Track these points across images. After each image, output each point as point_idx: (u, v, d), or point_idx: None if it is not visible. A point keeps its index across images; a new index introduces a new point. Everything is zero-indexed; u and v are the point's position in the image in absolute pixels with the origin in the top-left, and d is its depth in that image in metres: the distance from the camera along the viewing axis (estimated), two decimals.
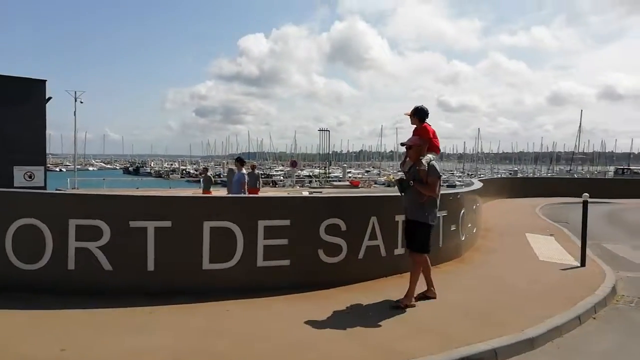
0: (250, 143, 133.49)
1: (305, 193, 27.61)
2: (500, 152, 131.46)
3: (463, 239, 8.08)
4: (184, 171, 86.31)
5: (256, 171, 19.55)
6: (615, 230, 13.15)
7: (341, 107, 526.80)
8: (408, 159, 5.46)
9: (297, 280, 5.66)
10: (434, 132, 5.52)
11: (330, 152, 65.16)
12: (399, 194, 5.52)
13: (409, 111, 5.54)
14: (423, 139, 5.38)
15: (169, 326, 4.42)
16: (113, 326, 4.38)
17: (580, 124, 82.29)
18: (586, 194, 8.00)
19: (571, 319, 5.13)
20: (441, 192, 5.57)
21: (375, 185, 49.35)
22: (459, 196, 8.00)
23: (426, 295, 5.58)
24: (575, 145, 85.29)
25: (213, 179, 20.22)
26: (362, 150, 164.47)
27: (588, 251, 9.32)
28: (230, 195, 5.74)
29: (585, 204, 8.02)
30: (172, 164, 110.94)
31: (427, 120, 5.58)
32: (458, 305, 5.43)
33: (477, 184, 10.57)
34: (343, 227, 5.91)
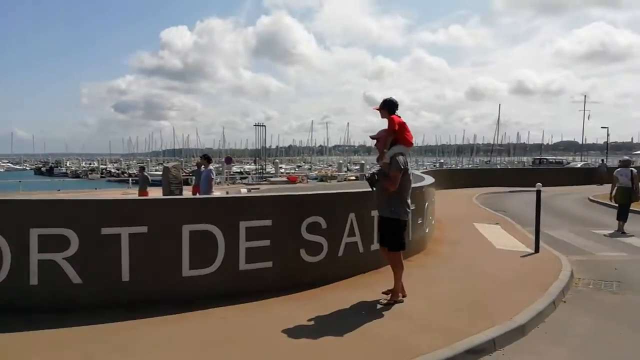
0: (176, 139, 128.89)
1: (244, 190, 27.06)
2: (425, 144, 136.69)
3: (427, 231, 8.23)
4: (104, 170, 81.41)
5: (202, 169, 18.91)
6: (549, 217, 13.99)
7: (269, 102, 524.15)
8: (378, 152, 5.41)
9: (281, 282, 5.46)
10: (402, 124, 5.28)
11: (262, 148, 64.00)
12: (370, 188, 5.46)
13: (378, 105, 5.43)
14: (389, 131, 5.24)
15: (166, 343, 4.05)
16: (94, 347, 3.96)
17: (499, 117, 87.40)
18: (539, 183, 8.44)
19: (548, 304, 5.37)
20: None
21: (309, 180, 49.41)
22: (423, 189, 8.12)
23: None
24: (494, 138, 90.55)
25: (150, 178, 19.17)
26: (291, 145, 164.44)
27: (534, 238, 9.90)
28: (210, 195, 5.38)
29: (538, 194, 8.44)
30: (90, 163, 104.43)
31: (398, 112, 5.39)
32: (445, 297, 5.49)
33: (430, 178, 10.80)
34: (324, 224, 5.78)
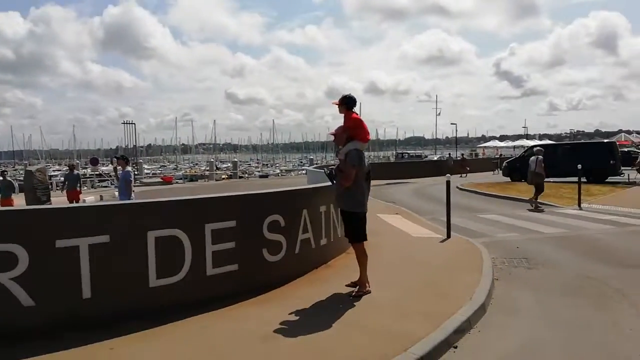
0: (15, 140, 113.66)
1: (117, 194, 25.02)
2: (290, 141, 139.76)
3: None
4: None
5: (75, 172, 17.09)
6: (434, 205, 15.36)
7: (122, 99, 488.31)
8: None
9: (246, 284, 5.27)
10: (358, 121, 5.42)
11: (133, 147, 59.10)
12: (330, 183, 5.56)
13: (337, 100, 5.53)
14: (345, 127, 5.37)
15: None
16: None
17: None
18: (448, 174, 9.26)
19: (490, 283, 5.96)
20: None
21: (177, 180, 47.22)
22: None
23: (355, 283, 5.54)
24: None
25: (15, 184, 16.80)
26: (151, 144, 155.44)
27: (437, 225, 10.84)
28: (172, 198, 4.92)
29: (448, 184, 9.27)
30: None
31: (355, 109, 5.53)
32: (402, 285, 5.77)
33: None
34: (282, 222, 5.69)
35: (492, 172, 34.36)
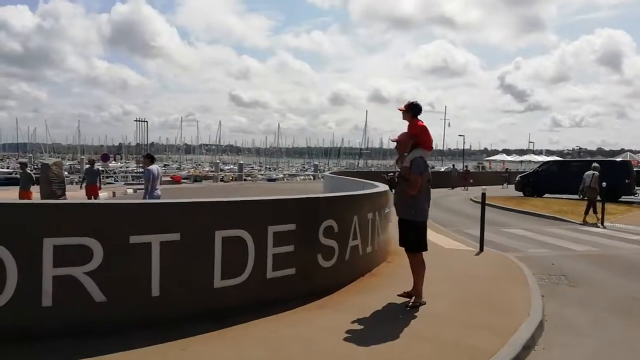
0: (19, 132, 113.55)
1: (130, 191, 24.96)
2: (295, 146, 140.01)
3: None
4: None
5: (96, 167, 17.00)
6: (454, 217, 15.35)
7: (127, 96, 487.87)
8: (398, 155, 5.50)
9: (302, 289, 5.22)
10: (424, 128, 5.39)
11: (147, 145, 59.00)
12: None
13: (403, 106, 5.50)
14: (410, 134, 5.34)
15: None
16: None
17: (366, 123, 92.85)
18: (485, 187, 9.22)
19: (540, 299, 5.91)
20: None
21: (183, 180, 47.23)
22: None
23: (410, 294, 5.46)
24: (362, 142, 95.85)
25: (33, 177, 16.74)
26: (154, 142, 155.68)
27: (462, 237, 10.81)
28: (237, 199, 4.91)
29: (483, 197, 9.25)
30: None
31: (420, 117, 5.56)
32: (453, 297, 5.71)
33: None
34: (336, 228, 5.65)
35: (500, 186, 34.39)
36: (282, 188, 30.45)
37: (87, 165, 17.73)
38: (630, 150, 66.82)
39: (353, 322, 4.63)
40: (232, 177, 46.12)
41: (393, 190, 5.44)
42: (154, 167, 11.14)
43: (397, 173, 5.35)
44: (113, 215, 4.07)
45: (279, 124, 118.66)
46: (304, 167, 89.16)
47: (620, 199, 21.31)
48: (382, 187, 7.33)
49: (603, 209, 13.70)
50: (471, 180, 32.15)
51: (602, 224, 13.38)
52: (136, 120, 56.81)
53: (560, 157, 54.20)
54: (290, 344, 4.03)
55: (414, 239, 5.24)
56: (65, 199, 15.56)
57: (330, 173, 22.32)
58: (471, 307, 5.34)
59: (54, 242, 3.75)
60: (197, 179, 47.16)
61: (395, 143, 5.37)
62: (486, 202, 20.37)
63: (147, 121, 57.58)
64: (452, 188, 31.56)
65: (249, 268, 4.72)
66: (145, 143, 56.83)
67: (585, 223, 13.59)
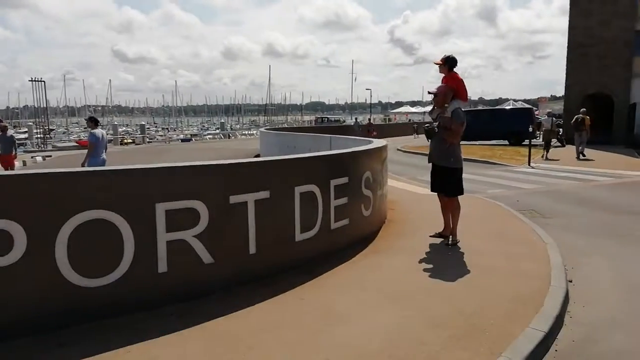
0: None
1: (39, 159, 22.77)
2: (192, 104, 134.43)
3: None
4: None
5: (9, 133, 15.23)
6: (398, 166, 16.21)
7: None
8: (435, 106, 5.88)
9: (353, 238, 5.53)
10: (461, 81, 5.79)
11: (45, 109, 52.37)
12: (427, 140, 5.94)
13: (439, 60, 5.86)
14: (449, 86, 5.73)
15: (350, 288, 3.91)
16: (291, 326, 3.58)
17: (270, 79, 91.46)
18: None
19: (543, 229, 6.76)
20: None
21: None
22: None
23: (442, 235, 6.05)
24: (267, 98, 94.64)
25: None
26: (27, 105, 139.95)
27: (422, 184, 11.62)
28: (307, 155, 4.95)
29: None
30: None
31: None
32: (475, 233, 6.32)
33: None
34: (371, 179, 5.96)
35: (412, 137, 36.41)
36: (219, 148, 29.38)
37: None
38: (513, 99, 73.51)
39: (420, 261, 5.07)
40: (132, 140, 43.39)
41: (429, 140, 5.82)
42: (99, 131, 10.51)
43: (434, 123, 5.72)
44: (215, 176, 4.02)
45: (175, 81, 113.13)
46: (203, 126, 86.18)
47: (524, 143, 23.81)
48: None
49: (530, 152, 15.38)
50: (375, 133, 33.28)
51: (529, 164, 15.06)
52: (31, 80, 50.59)
53: None
54: (388, 284, 4.37)
55: (454, 184, 5.71)
56: None
57: (265, 129, 22.16)
58: (496, 240, 6.01)
59: (165, 206, 3.65)
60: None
61: (432, 95, 5.73)
62: (414, 151, 21.66)
63: (44, 81, 51.61)
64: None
65: (318, 221, 4.91)
66: (44, 106, 51.08)
67: (547, 160, 16.67)
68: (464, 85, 5.82)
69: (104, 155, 10.41)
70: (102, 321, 3.42)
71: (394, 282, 4.43)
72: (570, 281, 4.89)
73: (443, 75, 5.84)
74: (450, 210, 5.90)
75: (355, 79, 71.49)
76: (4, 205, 3.09)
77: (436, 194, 6.06)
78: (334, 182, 5.11)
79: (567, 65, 24.93)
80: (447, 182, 5.77)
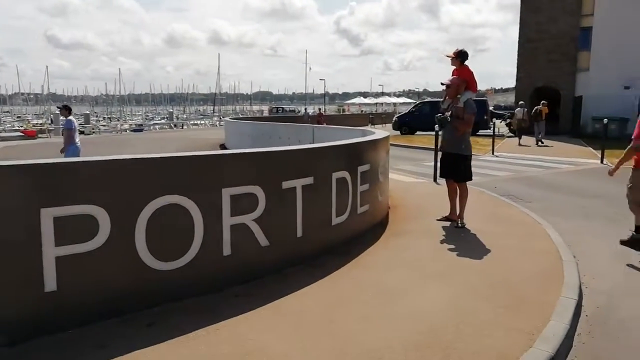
0: None
1: None
2: (133, 92, 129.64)
3: None
4: None
5: None
6: None
7: None
8: (447, 97, 6.26)
9: (372, 223, 5.83)
10: (472, 73, 6.23)
11: None
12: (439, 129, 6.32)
13: (451, 53, 6.24)
14: (461, 78, 6.15)
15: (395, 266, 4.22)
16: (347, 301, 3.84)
17: (219, 68, 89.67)
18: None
19: (534, 213, 7.33)
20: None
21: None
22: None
23: (449, 219, 6.45)
24: (216, 87, 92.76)
25: None
26: None
27: (402, 172, 12.10)
28: (336, 143, 5.14)
29: (436, 135, 10.45)
30: None
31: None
32: (476, 216, 6.76)
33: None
34: (382, 168, 6.27)
35: (367, 127, 37.18)
36: (177, 138, 28.57)
37: None
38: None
39: (441, 242, 5.44)
40: (80, 130, 41.32)
41: (441, 128, 6.20)
42: (73, 119, 10.34)
43: (446, 113, 6.09)
44: (271, 162, 4.19)
45: (119, 69, 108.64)
46: (147, 116, 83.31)
47: (479, 133, 24.95)
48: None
49: (493, 141, 16.25)
50: (325, 124, 33.70)
51: (493, 152, 15.92)
52: None
53: (408, 99, 59.59)
54: (424, 263, 4.71)
55: (464, 170, 6.12)
56: None
57: (232, 119, 22.02)
58: (497, 223, 6.49)
59: (230, 191, 3.79)
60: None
61: (445, 86, 6.10)
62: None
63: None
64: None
65: (349, 205, 5.17)
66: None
67: (520, 145, 18.62)
68: (474, 78, 6.23)
69: (78, 143, 10.22)
70: (179, 302, 3.53)
71: (429, 261, 4.77)
72: (574, 257, 5.41)
73: (454, 67, 6.23)
74: (459, 195, 6.32)
75: (310, 69, 71.43)
76: (89, 190, 3.14)
77: (425, 181, 6.44)
78: (360, 169, 5.37)
79: (517, 59, 26.31)
80: (457, 169, 6.16)
